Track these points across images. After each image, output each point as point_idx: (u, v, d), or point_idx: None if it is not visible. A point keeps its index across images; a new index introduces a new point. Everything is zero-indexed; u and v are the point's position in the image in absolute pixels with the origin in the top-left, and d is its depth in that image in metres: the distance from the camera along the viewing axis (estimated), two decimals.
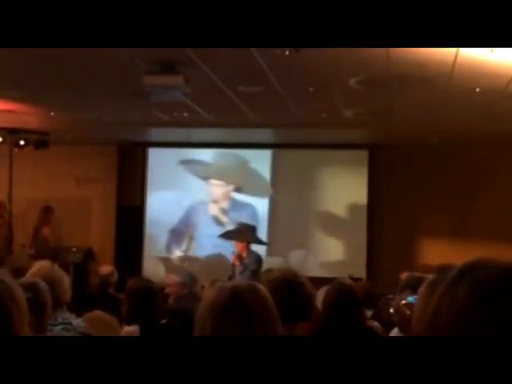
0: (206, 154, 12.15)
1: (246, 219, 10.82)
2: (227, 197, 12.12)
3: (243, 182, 12.08)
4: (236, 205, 12.04)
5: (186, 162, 12.16)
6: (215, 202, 12.13)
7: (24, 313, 2.27)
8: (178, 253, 12.09)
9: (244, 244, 9.00)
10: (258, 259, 8.93)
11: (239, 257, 8.87)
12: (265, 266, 8.57)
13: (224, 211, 12.06)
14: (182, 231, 12.15)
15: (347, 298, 4.37)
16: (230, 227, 10.68)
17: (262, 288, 2.12)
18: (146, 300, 4.63)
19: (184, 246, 12.13)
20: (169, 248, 12.14)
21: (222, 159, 12.13)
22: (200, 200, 12.11)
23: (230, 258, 9.33)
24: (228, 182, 12.16)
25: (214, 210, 12.07)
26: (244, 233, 9.33)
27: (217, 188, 12.16)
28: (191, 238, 12.12)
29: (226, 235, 9.81)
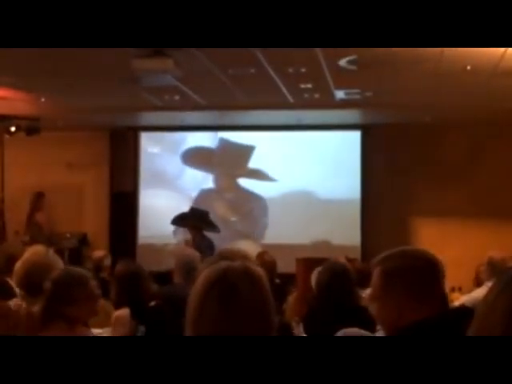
0: (203, 140, 12.10)
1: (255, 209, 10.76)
2: (232, 186, 12.02)
3: (246, 168, 11.98)
4: (241, 194, 11.99)
5: (189, 152, 12.05)
6: (220, 191, 12.00)
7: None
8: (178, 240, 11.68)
9: (196, 230, 8.78)
10: (211, 245, 8.67)
11: (193, 242, 8.60)
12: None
13: (229, 201, 11.92)
14: None
15: (339, 278, 4.37)
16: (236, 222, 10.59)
17: (257, 269, 2.10)
18: (133, 283, 4.65)
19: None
20: (176, 237, 11.82)
21: (223, 145, 12.03)
22: (208, 188, 12.00)
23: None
24: (232, 168, 12.03)
25: (219, 201, 11.88)
26: (196, 218, 9.13)
27: (221, 176, 12.08)
28: None
29: (178, 221, 9.55)
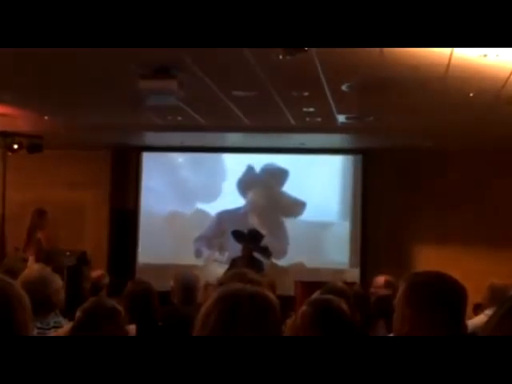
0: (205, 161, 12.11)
1: None
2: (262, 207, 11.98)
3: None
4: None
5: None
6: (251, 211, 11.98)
7: (28, 313, 2.27)
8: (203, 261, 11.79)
9: (249, 250, 9.16)
10: (260, 267, 9.07)
11: (242, 260, 8.99)
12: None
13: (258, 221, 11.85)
14: (211, 239, 11.91)
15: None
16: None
17: (267, 294, 2.11)
18: (143, 302, 4.66)
19: (215, 255, 11.88)
20: (198, 254, 11.89)
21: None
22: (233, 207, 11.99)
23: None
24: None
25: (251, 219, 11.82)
26: (251, 239, 9.51)
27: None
28: (222, 248, 11.80)
29: (237, 236, 10.00)
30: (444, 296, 2.49)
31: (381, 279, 6.37)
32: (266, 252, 10.03)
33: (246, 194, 12.00)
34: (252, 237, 9.88)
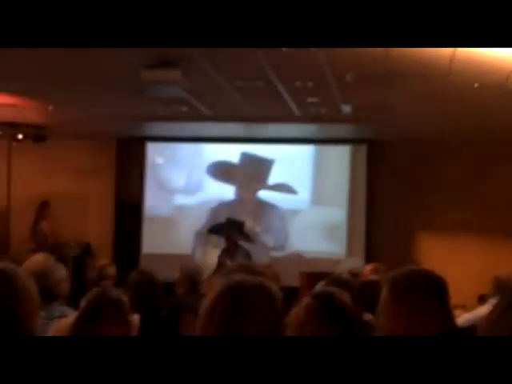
0: (210, 151, 12.11)
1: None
2: (253, 198, 11.94)
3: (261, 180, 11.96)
4: (264, 207, 11.93)
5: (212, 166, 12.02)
6: (242, 203, 11.92)
7: (35, 305, 2.28)
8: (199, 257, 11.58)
9: (232, 240, 9.02)
10: (247, 254, 8.93)
11: (227, 252, 8.88)
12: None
13: (252, 214, 11.79)
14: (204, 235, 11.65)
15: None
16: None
17: (270, 285, 2.12)
18: (147, 292, 4.67)
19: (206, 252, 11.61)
20: (194, 252, 11.79)
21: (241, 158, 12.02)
22: (224, 201, 11.96)
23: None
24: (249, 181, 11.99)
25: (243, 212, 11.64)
26: (232, 228, 9.34)
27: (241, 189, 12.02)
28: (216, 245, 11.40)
29: (214, 231, 9.82)
30: (428, 286, 2.58)
31: (368, 267, 6.43)
32: (248, 237, 9.82)
33: (244, 184, 12.00)
34: (231, 226, 9.64)
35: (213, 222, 11.13)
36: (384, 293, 2.61)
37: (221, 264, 8.84)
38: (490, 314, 1.66)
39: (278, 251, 11.64)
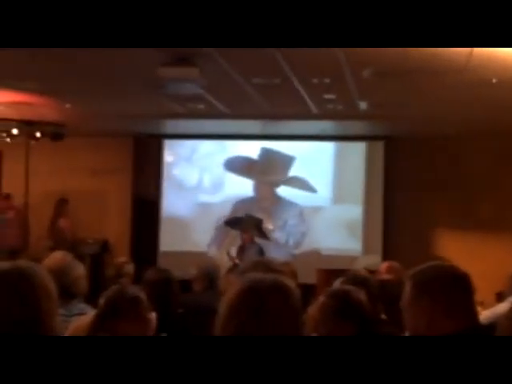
0: (226, 148, 12.10)
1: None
2: (271, 195, 11.92)
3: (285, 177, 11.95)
4: (281, 204, 11.90)
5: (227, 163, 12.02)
6: (261, 200, 11.90)
7: (54, 303, 2.29)
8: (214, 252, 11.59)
9: (249, 235, 9.07)
10: (261, 251, 8.97)
11: (242, 249, 8.92)
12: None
13: (267, 211, 11.74)
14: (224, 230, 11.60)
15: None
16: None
17: (288, 283, 2.12)
18: (163, 289, 4.68)
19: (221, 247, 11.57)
20: (210, 246, 11.81)
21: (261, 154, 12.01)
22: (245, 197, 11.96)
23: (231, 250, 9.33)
24: (270, 177, 11.96)
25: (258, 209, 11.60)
26: (251, 224, 9.40)
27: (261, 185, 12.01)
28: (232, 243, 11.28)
29: (232, 224, 9.90)
30: (453, 282, 2.55)
31: (384, 265, 6.39)
32: (265, 235, 9.94)
33: (263, 180, 11.99)
34: (249, 221, 9.70)
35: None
36: (407, 289, 2.58)
37: (237, 258, 8.91)
38: (509, 310, 1.66)
39: (291, 249, 11.63)
